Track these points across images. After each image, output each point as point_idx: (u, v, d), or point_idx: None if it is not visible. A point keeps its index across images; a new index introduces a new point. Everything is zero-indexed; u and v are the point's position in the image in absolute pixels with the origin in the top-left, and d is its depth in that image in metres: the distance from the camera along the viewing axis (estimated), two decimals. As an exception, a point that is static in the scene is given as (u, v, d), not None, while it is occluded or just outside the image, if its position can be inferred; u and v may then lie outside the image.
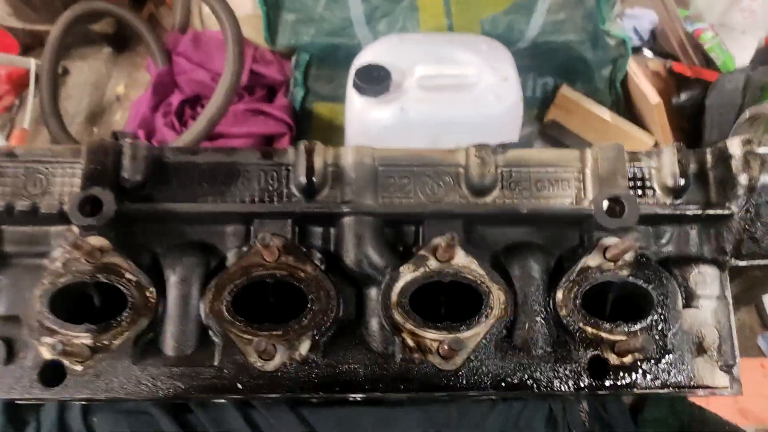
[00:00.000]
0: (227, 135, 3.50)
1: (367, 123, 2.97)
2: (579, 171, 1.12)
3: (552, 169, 1.12)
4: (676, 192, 1.09)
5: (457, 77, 2.91)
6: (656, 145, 3.61)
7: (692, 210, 1.09)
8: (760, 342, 3.24)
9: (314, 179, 1.07)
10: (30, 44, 3.89)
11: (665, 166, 1.09)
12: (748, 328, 3.35)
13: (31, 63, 3.54)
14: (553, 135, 3.78)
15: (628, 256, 1.06)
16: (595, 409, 1.51)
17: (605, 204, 1.07)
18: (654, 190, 1.11)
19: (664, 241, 1.13)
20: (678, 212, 1.10)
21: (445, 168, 1.11)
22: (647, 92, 3.61)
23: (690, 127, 3.78)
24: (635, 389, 1.04)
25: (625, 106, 3.75)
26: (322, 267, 1.07)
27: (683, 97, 3.82)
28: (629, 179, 1.10)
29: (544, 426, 1.46)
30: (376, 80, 2.88)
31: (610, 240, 1.07)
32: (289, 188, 1.09)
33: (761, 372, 2.98)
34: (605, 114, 3.64)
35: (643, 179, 1.11)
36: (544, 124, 3.83)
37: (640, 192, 1.11)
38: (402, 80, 2.93)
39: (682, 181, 1.08)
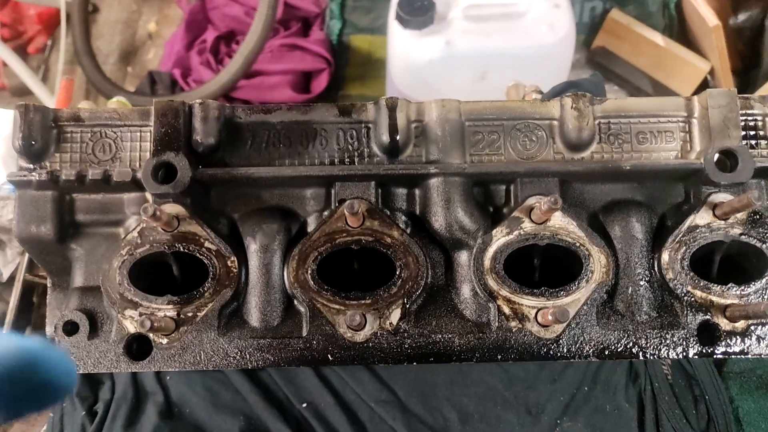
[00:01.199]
0: (264, 72, 3.40)
1: (411, 58, 2.85)
2: (685, 121, 1.02)
3: (654, 119, 1.02)
4: (794, 142, 1.00)
5: (505, 5, 2.76)
6: (712, 71, 3.43)
7: (812, 161, 1.00)
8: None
9: (398, 137, 0.99)
10: (57, -18, 3.78)
11: (783, 113, 1.00)
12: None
13: (61, 1, 3.43)
14: (601, 62, 3.61)
15: (741, 214, 0.98)
16: (678, 361, 1.46)
17: (716, 157, 0.98)
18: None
19: (777, 195, 1.04)
20: (795, 164, 1.00)
21: (537, 121, 1.03)
22: (705, 14, 3.40)
23: (747, 50, 3.58)
24: (748, 355, 0.98)
25: (679, 29, 3.55)
26: (408, 231, 1.01)
27: (741, 17, 3.59)
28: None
29: (625, 379, 1.42)
30: (419, 11, 2.75)
31: (720, 196, 0.99)
32: (371, 148, 1.02)
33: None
34: (658, 38, 3.45)
35: (755, 128, 1.02)
36: (591, 51, 3.66)
37: (753, 142, 1.01)
38: (447, 10, 2.78)
39: (801, 130, 0.98)
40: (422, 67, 2.84)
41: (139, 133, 1.01)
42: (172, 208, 0.98)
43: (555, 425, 1.37)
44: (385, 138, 0.99)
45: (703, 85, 3.37)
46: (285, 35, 3.51)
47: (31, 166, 0.99)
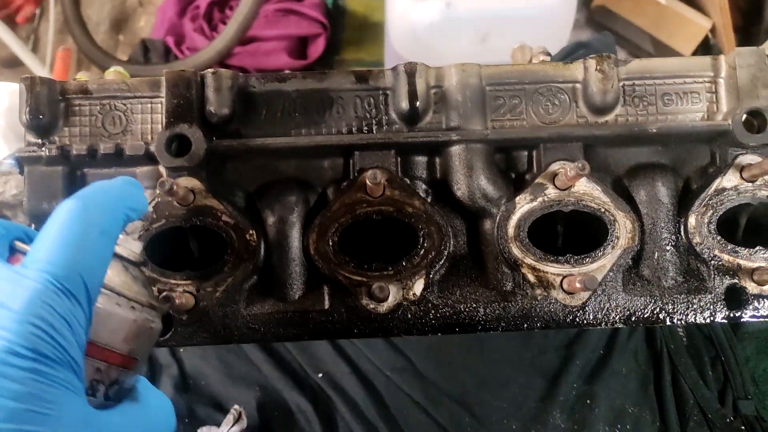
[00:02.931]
0: (260, 38, 3.33)
1: (410, 21, 2.79)
2: (711, 81, 1.00)
3: (680, 80, 1.00)
4: (823, 101, 0.97)
5: (506, -35, 2.69)
6: (713, 29, 3.39)
7: (843, 121, 0.98)
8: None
9: (417, 104, 0.96)
10: (43, -52, 3.67)
11: (813, 71, 0.97)
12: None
13: (49, -31, 3.33)
14: (602, 22, 3.56)
15: (769, 176, 0.96)
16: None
17: (744, 118, 0.96)
18: (796, 99, 0.99)
19: (806, 155, 1.02)
20: (824, 123, 0.98)
21: (560, 85, 1.00)
22: (706, -30, 3.35)
23: (748, 6, 3.53)
24: (776, 318, 0.97)
25: (680, -14, 3.49)
26: (429, 200, 0.99)
27: (742, -27, 3.54)
28: (769, 88, 0.98)
29: (642, 342, 1.42)
30: (419, -28, 2.68)
31: (748, 158, 0.97)
32: (389, 115, 0.99)
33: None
34: (659, -4, 3.40)
35: (783, 87, 0.99)
36: (591, 10, 3.60)
37: (780, 102, 0.99)
38: (447, -29, 2.72)
39: (831, 89, 0.96)
40: (422, 30, 2.79)
41: (150, 105, 0.97)
42: (187, 182, 0.95)
43: (572, 389, 1.37)
44: (405, 105, 0.96)
45: (704, 43, 3.33)
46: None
47: (40, 141, 0.96)
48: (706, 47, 3.36)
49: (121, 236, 0.69)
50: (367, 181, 0.91)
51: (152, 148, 0.94)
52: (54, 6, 3.43)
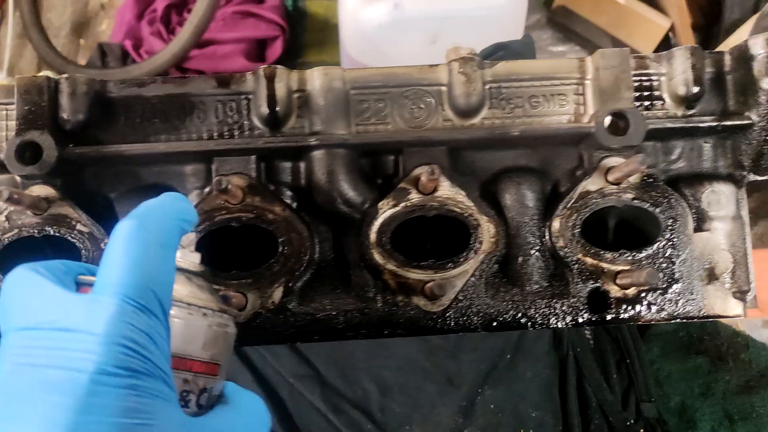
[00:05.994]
0: (217, 41, 3.32)
1: (360, 23, 2.78)
2: (578, 83, 0.98)
3: (547, 82, 0.98)
4: (688, 101, 0.96)
5: (455, -35, 2.68)
6: (672, 28, 3.38)
7: (707, 121, 0.96)
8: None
9: (277, 109, 0.95)
10: (0, -47, 3.65)
11: (676, 72, 0.95)
12: (767, 217, 3.24)
13: (4, -26, 3.32)
14: (562, 22, 3.55)
15: (633, 178, 0.95)
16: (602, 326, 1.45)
17: (607, 120, 0.95)
18: (663, 101, 0.98)
19: (674, 157, 1.01)
20: (690, 125, 0.97)
21: (425, 87, 0.98)
22: (665, -32, 3.35)
23: (708, 6, 3.53)
24: (639, 321, 0.96)
25: (640, -14, 3.49)
26: (294, 206, 0.98)
27: (702, -28, 3.54)
28: (635, 89, 0.97)
29: (548, 346, 1.41)
30: (367, -27, 2.67)
31: (612, 160, 0.96)
32: (251, 120, 0.97)
33: (778, 263, 2.90)
34: (618, -4, 3.40)
35: (651, 88, 0.98)
36: (552, 11, 3.59)
37: (647, 103, 0.98)
38: (396, -28, 2.71)
39: (695, 89, 0.95)
40: (372, 31, 2.77)
41: (5, 112, 0.96)
42: (41, 190, 0.93)
43: (476, 394, 1.36)
44: (264, 109, 0.95)
45: (665, 42, 3.32)
46: (238, 2, 3.42)
47: None
48: (668, 46, 3.35)
49: (179, 251, 0.71)
50: (214, 189, 0.90)
51: (2, 156, 0.92)
52: (13, 11, 3.41)
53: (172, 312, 0.67)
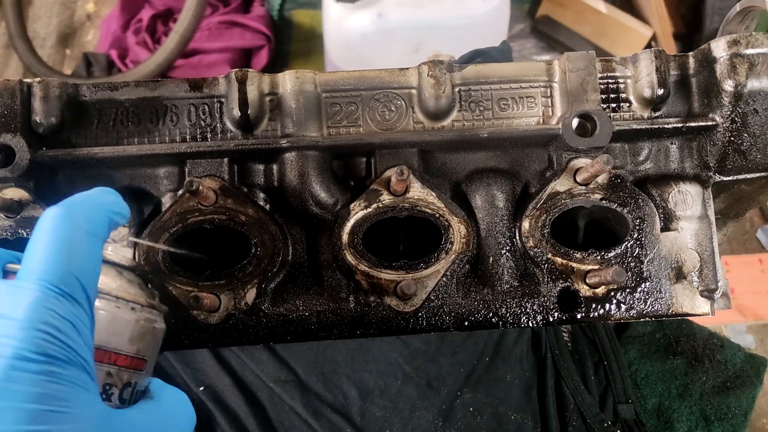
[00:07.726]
0: (202, 51, 3.33)
1: (344, 32, 2.80)
2: (546, 85, 1.00)
3: (516, 85, 1.00)
4: (654, 103, 0.98)
5: (438, -25, 2.71)
6: (654, 37, 3.43)
7: (672, 123, 0.98)
8: (759, 235, 3.18)
9: (249, 112, 0.96)
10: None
11: (642, 74, 0.97)
12: (748, 222, 3.28)
13: (-10, -16, 3.32)
14: (546, 31, 3.59)
15: (601, 179, 0.97)
16: (580, 327, 1.46)
17: (575, 122, 0.96)
18: (630, 103, 0.99)
19: (641, 158, 1.03)
20: (656, 126, 0.98)
21: (395, 90, 1.00)
22: (646, -21, 3.39)
23: (690, 15, 3.58)
24: (609, 320, 0.97)
25: (622, -4, 3.55)
26: (267, 207, 0.98)
27: (683, -18, 3.60)
28: (602, 92, 0.98)
29: (526, 348, 1.42)
30: (351, -17, 2.70)
31: (580, 161, 0.97)
32: (224, 123, 0.98)
33: (758, 268, 2.93)
34: (600, 6, 3.45)
35: (617, 91, 0.99)
36: (535, 20, 3.63)
37: (614, 105, 0.99)
38: (379, -18, 2.73)
39: (660, 91, 0.96)
40: (355, 40, 2.80)
41: (-22, 116, 0.96)
42: (14, 193, 0.94)
43: (455, 397, 1.36)
44: (236, 112, 0.96)
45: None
46: (224, 12, 3.43)
47: None
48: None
49: (110, 245, 0.72)
50: (185, 191, 0.90)
51: (-26, 159, 0.92)
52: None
53: (98, 304, 0.67)
